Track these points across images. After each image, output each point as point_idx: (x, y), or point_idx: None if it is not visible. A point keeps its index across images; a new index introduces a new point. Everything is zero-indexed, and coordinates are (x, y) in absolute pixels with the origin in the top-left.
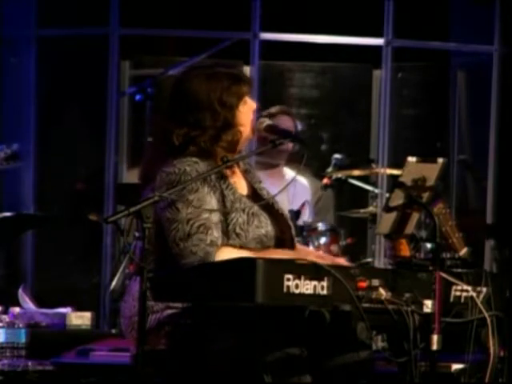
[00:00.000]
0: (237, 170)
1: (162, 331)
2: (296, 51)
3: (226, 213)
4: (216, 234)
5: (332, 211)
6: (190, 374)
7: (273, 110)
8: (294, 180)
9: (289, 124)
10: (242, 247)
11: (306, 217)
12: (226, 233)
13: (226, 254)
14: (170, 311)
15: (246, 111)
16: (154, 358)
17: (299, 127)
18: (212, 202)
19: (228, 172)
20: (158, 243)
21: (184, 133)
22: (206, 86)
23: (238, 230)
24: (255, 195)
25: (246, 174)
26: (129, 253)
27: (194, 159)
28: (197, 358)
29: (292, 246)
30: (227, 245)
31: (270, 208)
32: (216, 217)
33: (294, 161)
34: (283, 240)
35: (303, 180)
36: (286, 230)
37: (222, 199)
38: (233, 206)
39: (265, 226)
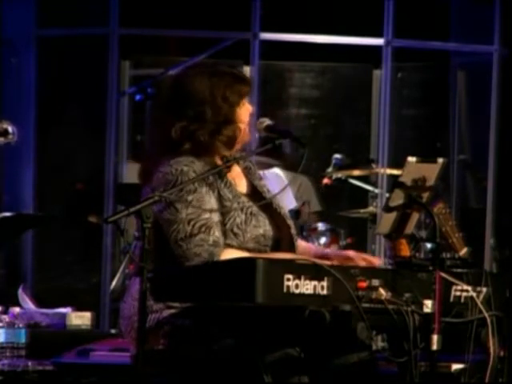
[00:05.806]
0: (237, 169)
1: (161, 331)
2: (296, 51)
3: (223, 212)
4: (218, 233)
5: (315, 196)
6: (188, 374)
7: None
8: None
9: None
10: (240, 247)
11: (291, 204)
12: (223, 232)
13: (230, 255)
14: (169, 311)
15: (244, 112)
16: (153, 358)
17: None
18: (211, 201)
19: (227, 170)
20: (157, 244)
21: (183, 126)
22: (208, 82)
23: (235, 229)
24: (255, 193)
25: (246, 171)
26: (129, 253)
27: (191, 158)
28: (196, 359)
29: (291, 245)
30: (227, 245)
31: (269, 206)
32: (216, 216)
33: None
34: (280, 239)
35: (274, 170)
36: (284, 228)
37: (220, 198)
38: (231, 205)
39: (263, 226)
